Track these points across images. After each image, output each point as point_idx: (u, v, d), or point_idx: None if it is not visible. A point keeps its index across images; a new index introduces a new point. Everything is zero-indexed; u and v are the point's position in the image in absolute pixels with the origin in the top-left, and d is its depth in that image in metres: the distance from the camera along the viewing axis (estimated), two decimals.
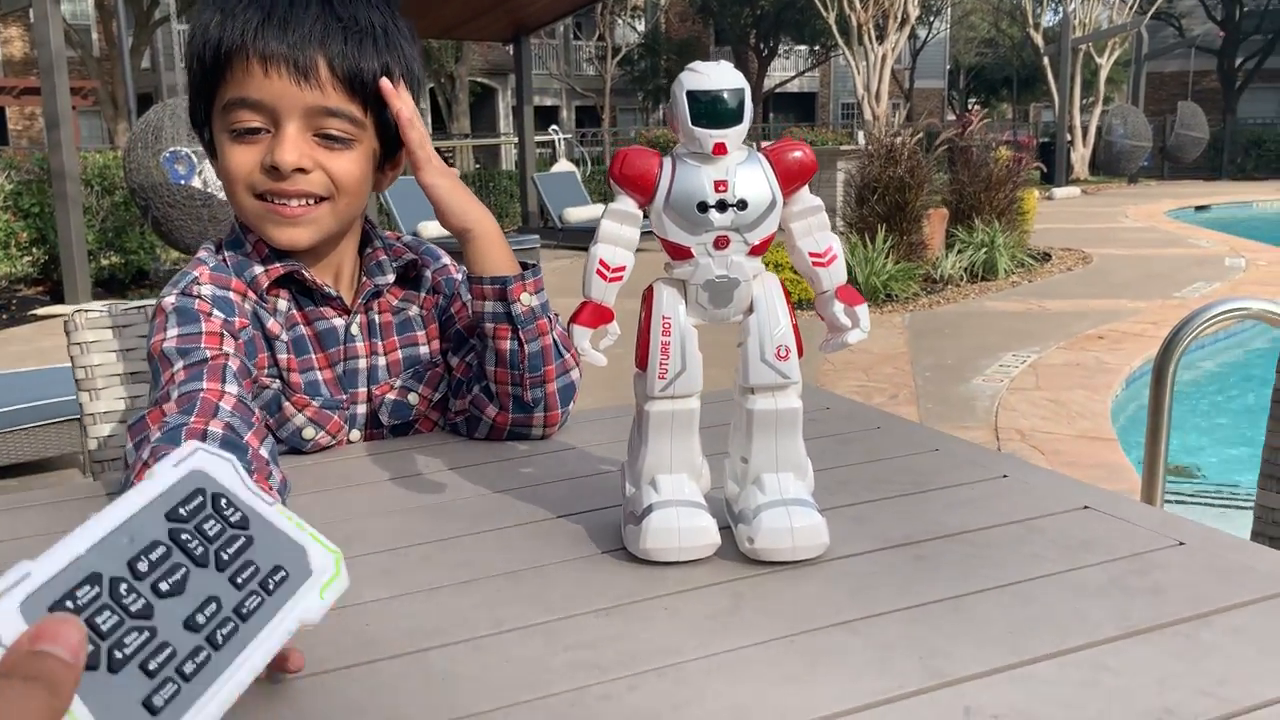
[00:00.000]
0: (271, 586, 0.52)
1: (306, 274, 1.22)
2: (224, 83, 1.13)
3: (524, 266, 1.23)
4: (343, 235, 1.25)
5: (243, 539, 0.53)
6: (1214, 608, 0.74)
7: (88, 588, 0.46)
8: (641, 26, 31.03)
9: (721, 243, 0.82)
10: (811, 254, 0.84)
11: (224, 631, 0.49)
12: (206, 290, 1.16)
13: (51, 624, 0.42)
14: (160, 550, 0.50)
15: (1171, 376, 2.11)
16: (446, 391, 1.30)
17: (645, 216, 0.84)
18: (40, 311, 9.08)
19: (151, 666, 0.46)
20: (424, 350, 1.31)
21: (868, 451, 1.14)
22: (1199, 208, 16.96)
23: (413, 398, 1.28)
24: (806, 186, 0.84)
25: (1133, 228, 13.47)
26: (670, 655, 0.70)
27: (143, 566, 0.49)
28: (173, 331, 1.10)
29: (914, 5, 17.71)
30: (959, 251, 9.14)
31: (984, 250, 9.12)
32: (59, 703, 0.41)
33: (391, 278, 1.29)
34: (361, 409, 1.27)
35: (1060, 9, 25.22)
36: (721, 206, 0.81)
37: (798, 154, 0.82)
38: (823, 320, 0.85)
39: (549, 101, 32.06)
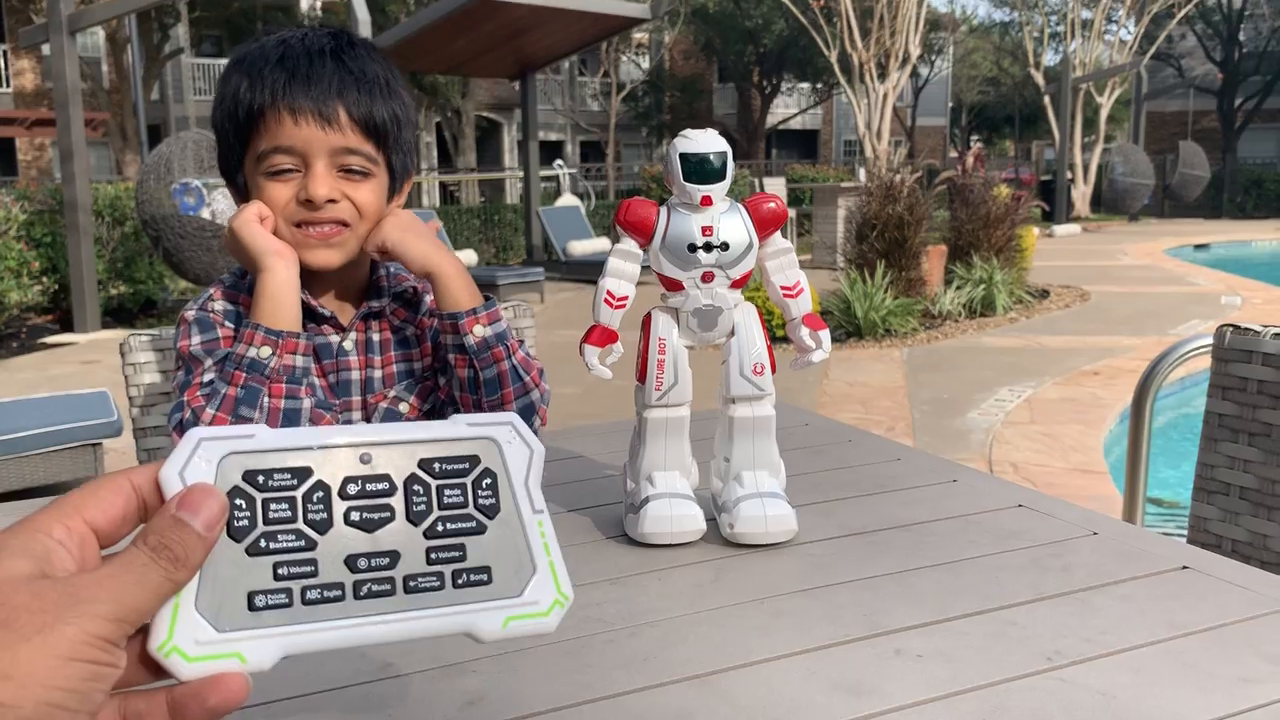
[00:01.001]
0: (461, 582, 0.49)
1: (303, 296, 1.39)
2: (257, 134, 1.31)
3: (486, 300, 1.37)
4: (349, 264, 1.42)
5: (474, 525, 0.49)
6: (1110, 580, 0.90)
7: (288, 476, 0.46)
8: (646, 64, 31.46)
9: (708, 277, 0.99)
10: (783, 287, 1.01)
11: (375, 588, 0.47)
12: (218, 306, 1.38)
13: (197, 493, 0.44)
14: (383, 485, 0.48)
15: (1149, 406, 2.26)
16: (435, 403, 1.46)
17: (645, 255, 1.01)
18: (50, 339, 9.27)
19: (281, 572, 0.46)
20: (417, 366, 1.47)
21: (838, 460, 1.30)
22: (1198, 246, 17.15)
23: (403, 407, 1.44)
24: (779, 231, 1.01)
25: (1132, 265, 13.64)
26: (662, 613, 0.86)
27: (353, 489, 0.47)
28: (196, 338, 1.34)
29: (915, 45, 18.01)
30: (957, 288, 9.31)
31: (982, 287, 9.28)
32: (181, 575, 0.43)
33: (383, 301, 1.45)
34: (356, 415, 1.44)
35: (1061, 49, 25.57)
36: (708, 248, 0.97)
37: (771, 205, 1.00)
38: (792, 342, 1.02)
39: (554, 136, 32.46)
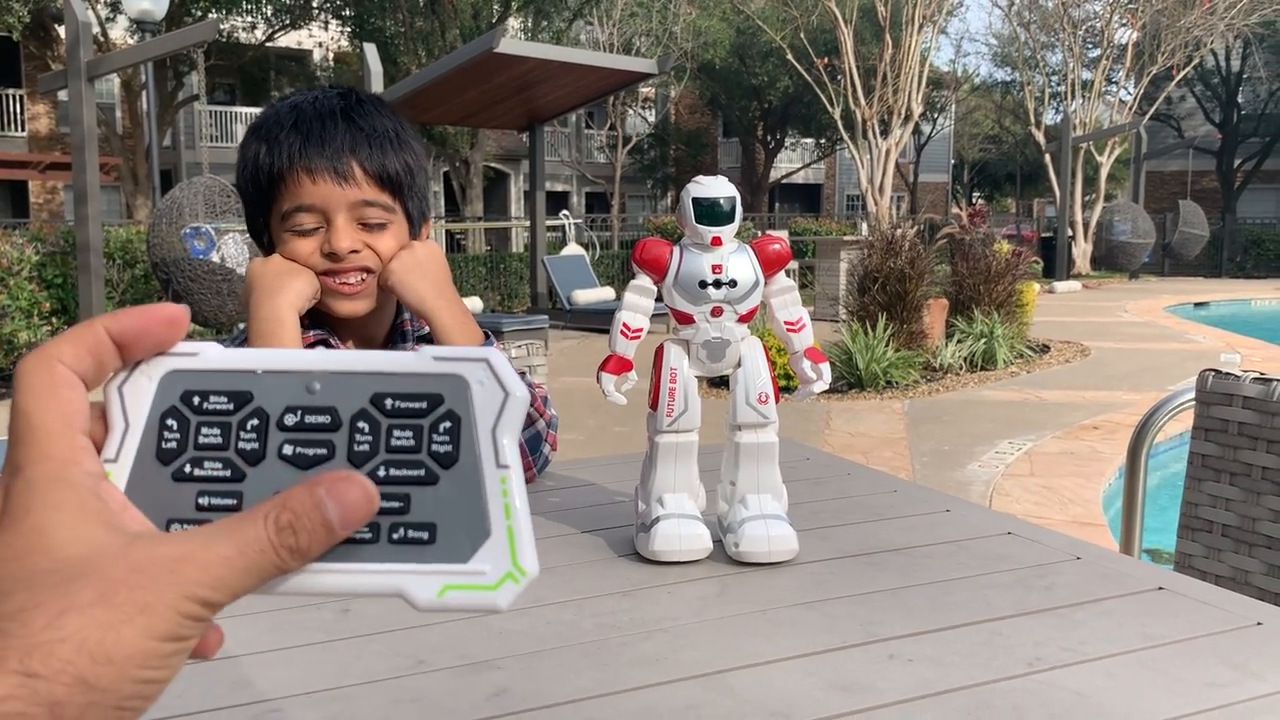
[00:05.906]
0: (398, 538, 0.42)
1: (332, 341, 1.46)
2: (279, 195, 1.38)
3: (486, 339, 1.43)
4: (375, 310, 1.48)
5: (423, 472, 0.42)
6: (1090, 598, 0.97)
7: (225, 400, 0.42)
8: (652, 117, 31.86)
9: (716, 312, 1.06)
10: (786, 322, 1.08)
11: None
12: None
13: (355, 489, 0.40)
14: (326, 419, 0.42)
15: (1144, 456, 2.33)
16: None
17: (659, 293, 1.09)
18: None
19: (202, 502, 0.42)
20: None
21: (838, 491, 1.36)
22: (1198, 304, 17.25)
23: None
24: (783, 271, 1.09)
25: (1131, 322, 13.72)
26: (671, 621, 0.92)
27: (292, 420, 0.42)
28: None
29: (918, 102, 18.28)
30: (958, 341, 9.39)
31: (983, 341, 9.36)
32: (292, 567, 0.40)
33: (408, 345, 1.52)
34: None
35: (1061, 108, 25.90)
36: (717, 284, 1.05)
37: (776, 246, 1.07)
38: (794, 373, 1.09)
39: (560, 187, 32.81)
